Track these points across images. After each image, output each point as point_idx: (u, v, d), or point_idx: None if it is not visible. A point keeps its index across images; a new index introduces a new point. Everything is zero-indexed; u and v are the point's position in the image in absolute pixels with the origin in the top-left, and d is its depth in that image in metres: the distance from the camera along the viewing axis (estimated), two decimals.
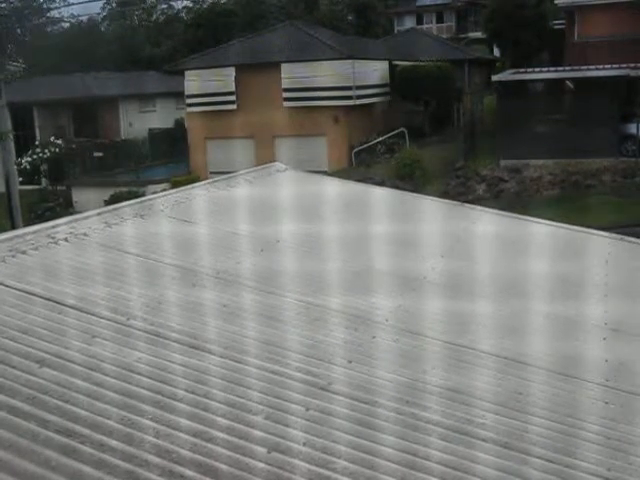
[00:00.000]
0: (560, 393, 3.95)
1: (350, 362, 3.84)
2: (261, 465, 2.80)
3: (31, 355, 3.38)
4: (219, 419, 3.07)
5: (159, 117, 38.51)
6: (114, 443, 2.80)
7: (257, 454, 2.86)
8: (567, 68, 29.74)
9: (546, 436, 3.35)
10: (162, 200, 6.58)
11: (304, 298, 4.73)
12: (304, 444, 2.97)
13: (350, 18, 55.63)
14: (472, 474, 2.94)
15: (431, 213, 8.07)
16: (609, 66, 27.18)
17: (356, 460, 2.91)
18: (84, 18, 65.52)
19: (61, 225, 5.33)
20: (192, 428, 2.97)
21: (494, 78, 29.50)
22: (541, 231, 7.72)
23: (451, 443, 3.14)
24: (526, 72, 29.91)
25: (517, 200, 24.42)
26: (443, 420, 3.34)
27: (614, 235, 7.94)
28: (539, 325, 4.84)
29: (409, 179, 26.09)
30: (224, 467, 2.76)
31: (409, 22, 58.48)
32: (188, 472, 2.70)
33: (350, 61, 31.79)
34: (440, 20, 59.81)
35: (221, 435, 2.95)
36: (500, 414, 3.49)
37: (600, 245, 7.44)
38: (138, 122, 37.32)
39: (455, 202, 9.62)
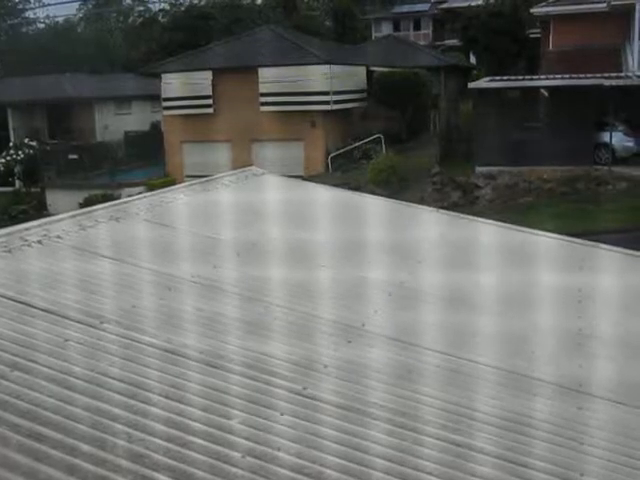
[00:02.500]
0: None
1: (326, 367, 3.84)
2: (235, 470, 2.78)
3: (3, 359, 3.33)
4: (193, 424, 3.04)
5: (135, 120, 38.30)
6: (86, 448, 2.76)
7: (231, 459, 2.84)
8: (542, 77, 30.03)
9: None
10: (137, 203, 6.53)
11: (285, 305, 4.71)
12: (279, 449, 2.95)
13: (328, 24, 55.77)
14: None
15: (415, 220, 8.10)
16: (583, 75, 27.48)
17: (332, 465, 2.90)
18: (60, 19, 65.18)
19: (34, 227, 5.28)
20: (166, 433, 2.94)
21: (470, 85, 29.70)
22: (516, 238, 7.78)
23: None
24: (502, 80, 30.15)
25: (492, 207, 24.59)
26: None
27: (587, 242, 8.01)
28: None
29: (385, 185, 26.16)
30: (198, 472, 2.73)
31: (386, 29, 58.73)
32: (161, 477, 2.67)
33: (327, 66, 31.84)
34: (417, 27, 60.15)
35: (195, 440, 2.92)
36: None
37: (576, 253, 7.50)
38: (114, 124, 37.10)
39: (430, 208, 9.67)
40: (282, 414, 3.24)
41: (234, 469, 2.79)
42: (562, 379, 4.21)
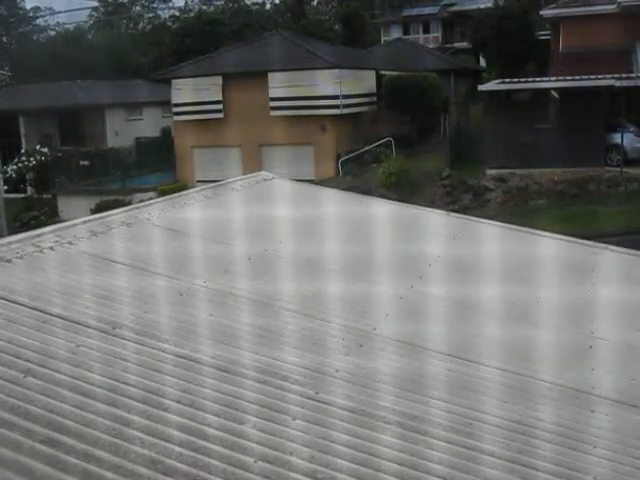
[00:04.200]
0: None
1: (337, 371, 3.84)
2: (248, 475, 2.79)
3: (16, 365, 3.35)
4: (207, 429, 3.05)
5: (146, 126, 38.45)
6: (100, 453, 2.77)
7: (244, 464, 2.84)
8: (552, 78, 29.95)
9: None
10: (149, 209, 6.55)
11: (296, 311, 4.72)
12: (291, 454, 2.96)
13: (337, 28, 55.84)
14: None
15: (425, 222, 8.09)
16: (594, 76, 27.39)
17: (344, 469, 2.90)
18: (70, 26, 65.55)
19: (46, 234, 5.30)
20: (179, 438, 2.94)
21: (480, 88, 29.66)
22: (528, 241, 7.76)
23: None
24: (512, 82, 30.09)
25: (503, 209, 24.53)
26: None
27: (599, 244, 7.98)
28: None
29: (395, 188, 26.15)
30: (211, 477, 2.74)
31: (396, 32, 58.75)
32: None
33: (337, 70, 31.89)
34: (426, 30, 60.13)
35: (209, 445, 2.93)
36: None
37: (587, 255, 7.48)
38: (125, 130, 37.26)
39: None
40: (294, 419, 3.24)
41: (247, 474, 2.79)
42: (574, 382, 4.19)
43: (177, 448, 2.87)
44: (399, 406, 3.51)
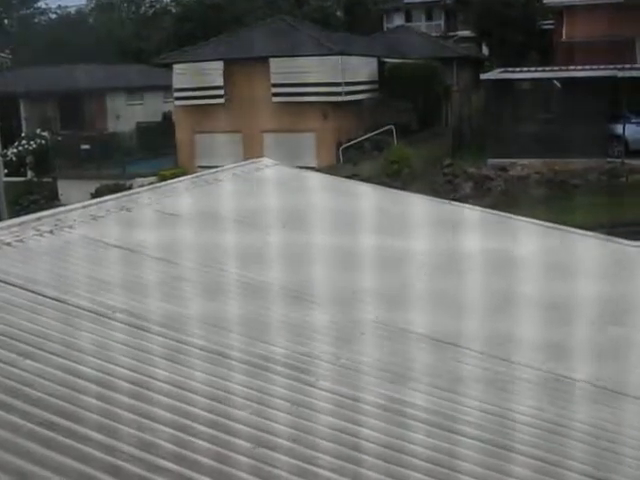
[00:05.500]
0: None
1: (339, 359, 3.84)
2: (243, 459, 2.79)
3: (14, 348, 3.35)
4: (201, 412, 3.05)
5: (147, 110, 38.34)
6: (96, 436, 2.78)
7: (240, 448, 2.85)
8: (555, 68, 29.86)
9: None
10: (148, 193, 6.54)
11: (291, 294, 4.72)
12: (288, 439, 2.96)
13: (339, 14, 55.58)
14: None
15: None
16: (597, 66, 27.30)
17: (341, 456, 2.90)
18: (72, 10, 65.30)
19: (46, 217, 5.30)
20: (174, 421, 2.95)
21: (482, 77, 29.59)
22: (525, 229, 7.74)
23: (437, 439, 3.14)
24: (514, 71, 29.99)
25: (503, 199, 24.51)
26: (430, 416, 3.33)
27: (600, 235, 7.96)
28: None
29: (396, 176, 26.10)
30: (205, 460, 2.74)
31: (398, 19, 58.49)
32: (170, 465, 2.69)
33: (339, 57, 31.74)
34: (429, 18, 59.84)
35: (203, 429, 2.93)
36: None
37: (589, 248, 7.46)
38: (125, 115, 37.14)
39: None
40: (293, 405, 3.24)
41: (243, 458, 2.79)
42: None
43: (172, 431, 2.88)
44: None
